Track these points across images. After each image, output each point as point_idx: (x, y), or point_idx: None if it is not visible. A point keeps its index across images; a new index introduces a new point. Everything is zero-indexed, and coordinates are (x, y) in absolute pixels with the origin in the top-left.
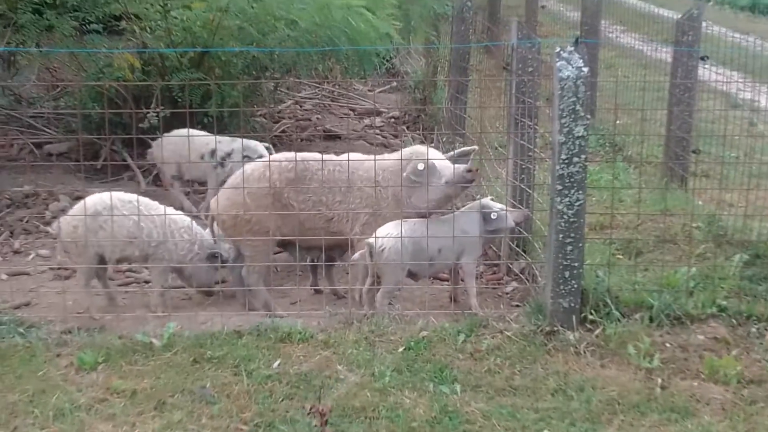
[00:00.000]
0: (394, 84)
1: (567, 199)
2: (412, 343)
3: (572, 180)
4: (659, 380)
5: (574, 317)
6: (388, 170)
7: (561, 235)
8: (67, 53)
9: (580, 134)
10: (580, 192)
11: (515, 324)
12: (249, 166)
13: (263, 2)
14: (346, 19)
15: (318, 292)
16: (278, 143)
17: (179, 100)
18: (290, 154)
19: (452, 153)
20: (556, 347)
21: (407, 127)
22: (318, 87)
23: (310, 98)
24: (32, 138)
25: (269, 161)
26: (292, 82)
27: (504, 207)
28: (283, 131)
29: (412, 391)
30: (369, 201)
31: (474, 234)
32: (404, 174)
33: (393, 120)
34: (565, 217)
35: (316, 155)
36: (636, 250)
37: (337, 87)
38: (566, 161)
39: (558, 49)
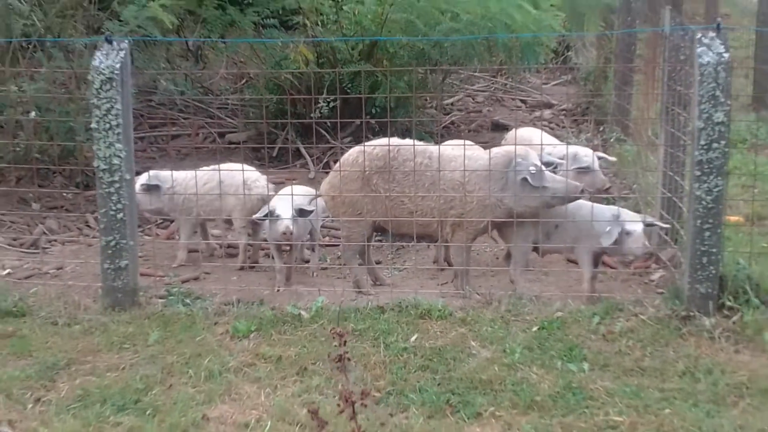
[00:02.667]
0: (569, 77)
1: (705, 185)
2: (546, 323)
3: (711, 166)
4: None
5: (710, 303)
6: (475, 174)
7: (699, 221)
8: (248, 48)
9: (719, 120)
10: (719, 178)
11: (651, 308)
12: (349, 151)
13: None
14: (505, 11)
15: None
16: (446, 134)
17: (349, 91)
18: (387, 141)
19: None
20: (690, 332)
21: (576, 119)
22: (492, 80)
23: (483, 91)
24: (216, 128)
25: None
26: (467, 75)
27: (642, 223)
28: (452, 122)
29: (540, 367)
30: (453, 203)
31: (591, 228)
32: (512, 170)
33: (563, 112)
34: (703, 203)
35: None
36: None
37: (509, 80)
38: (705, 147)
39: (699, 35)
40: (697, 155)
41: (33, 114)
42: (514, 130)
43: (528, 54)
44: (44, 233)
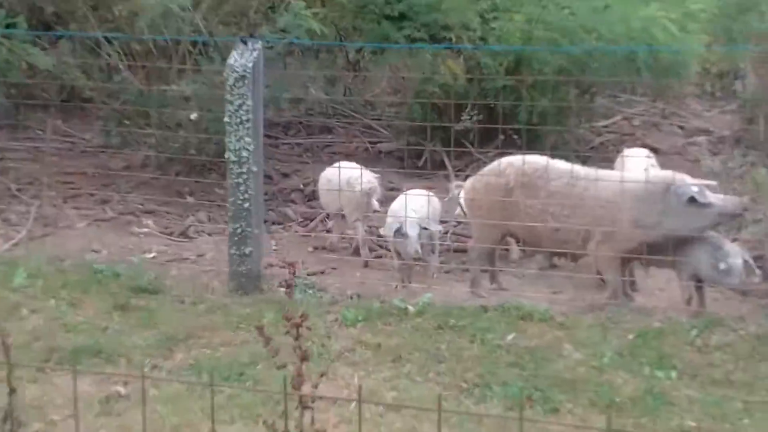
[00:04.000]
0: (734, 105)
1: None
2: (643, 332)
3: None
4: None
5: None
6: (629, 193)
7: None
8: (403, 63)
9: None
10: None
11: (753, 325)
12: (498, 160)
13: (577, 15)
14: (647, 30)
15: None
16: (595, 155)
17: (493, 106)
18: (537, 158)
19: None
20: None
21: (729, 146)
22: (651, 104)
23: (640, 115)
24: (368, 137)
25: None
26: (626, 99)
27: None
28: (602, 143)
29: (627, 372)
30: (601, 221)
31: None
32: (674, 192)
33: (719, 139)
34: None
35: (561, 165)
36: None
37: (667, 105)
38: None
39: None
40: None
41: (194, 115)
42: (624, 152)
43: (672, 74)
44: (192, 225)
